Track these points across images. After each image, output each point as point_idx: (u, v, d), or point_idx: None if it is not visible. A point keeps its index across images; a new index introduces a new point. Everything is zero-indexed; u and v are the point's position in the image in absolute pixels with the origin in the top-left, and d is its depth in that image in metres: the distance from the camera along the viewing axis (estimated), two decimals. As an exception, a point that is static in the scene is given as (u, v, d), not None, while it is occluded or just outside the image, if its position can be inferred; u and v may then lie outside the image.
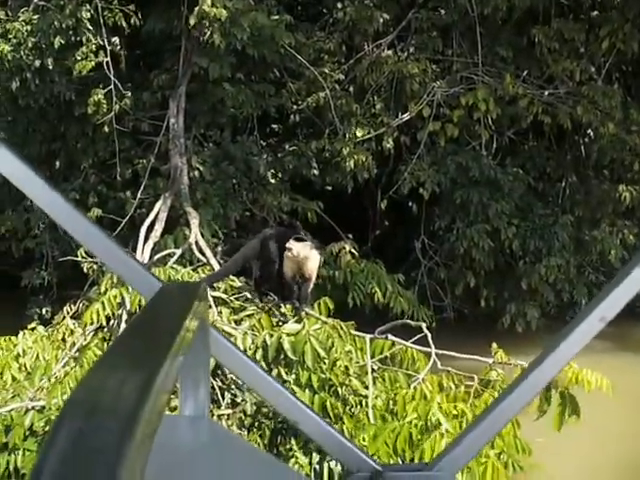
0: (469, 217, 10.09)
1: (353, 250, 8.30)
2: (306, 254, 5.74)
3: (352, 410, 4.82)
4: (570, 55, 10.20)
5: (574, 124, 10.26)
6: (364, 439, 4.38)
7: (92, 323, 6.77)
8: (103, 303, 6.54)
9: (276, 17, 9.07)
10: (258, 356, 5.08)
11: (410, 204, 10.72)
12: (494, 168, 10.15)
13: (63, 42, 8.71)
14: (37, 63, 8.87)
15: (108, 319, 6.77)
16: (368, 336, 5.33)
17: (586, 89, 10.03)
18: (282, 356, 4.97)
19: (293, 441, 4.73)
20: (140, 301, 6.37)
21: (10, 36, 9.00)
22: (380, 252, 9.91)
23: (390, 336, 5.39)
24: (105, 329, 6.87)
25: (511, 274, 10.43)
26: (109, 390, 0.58)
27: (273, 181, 9.61)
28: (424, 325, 5.71)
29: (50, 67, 8.89)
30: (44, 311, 10.12)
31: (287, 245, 5.80)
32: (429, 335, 5.43)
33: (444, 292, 10.47)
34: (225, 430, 1.82)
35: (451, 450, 1.30)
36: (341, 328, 5.23)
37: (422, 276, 10.35)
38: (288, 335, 4.99)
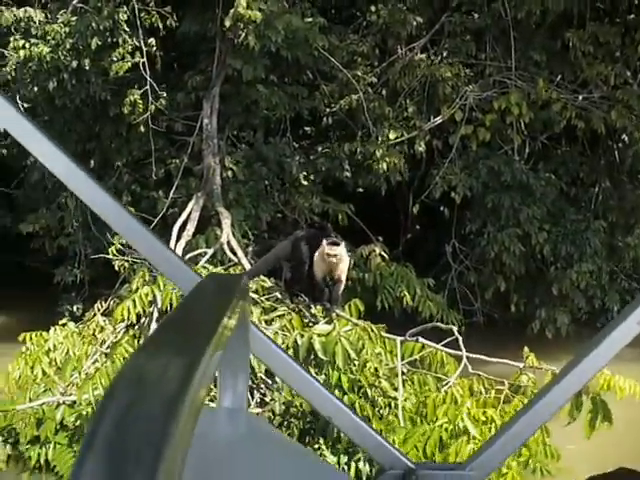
0: (500, 221, 10.05)
1: (383, 253, 8.32)
2: (338, 256, 5.77)
3: (381, 412, 4.83)
4: (605, 59, 10.13)
5: (608, 129, 10.18)
6: (394, 441, 4.39)
7: (123, 320, 6.86)
8: (134, 300, 6.63)
9: (310, 20, 9.12)
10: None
11: (441, 208, 10.71)
12: (526, 173, 10.10)
13: (100, 43, 8.84)
14: (74, 64, 9.00)
15: (139, 317, 6.86)
16: (399, 338, 5.35)
17: (621, 93, 9.95)
18: (312, 356, 5.00)
19: (322, 441, 4.75)
20: (171, 299, 6.44)
21: (49, 37, 9.14)
22: (411, 256, 9.91)
23: (420, 339, 5.39)
24: (136, 327, 6.96)
25: (542, 279, 10.37)
26: (153, 372, 0.59)
27: (305, 183, 9.65)
28: (455, 328, 5.71)
29: (87, 68, 9.03)
30: (75, 308, 10.25)
31: (320, 246, 5.84)
32: (460, 338, 5.43)
33: (474, 296, 10.44)
34: (264, 423, 1.83)
35: (484, 451, 1.31)
36: (372, 330, 5.25)
37: (452, 280, 10.32)
38: (319, 336, 5.03)
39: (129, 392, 0.55)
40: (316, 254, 5.87)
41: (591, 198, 10.83)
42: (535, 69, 10.25)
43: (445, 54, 10.32)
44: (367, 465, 4.49)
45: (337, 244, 5.92)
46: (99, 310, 7.94)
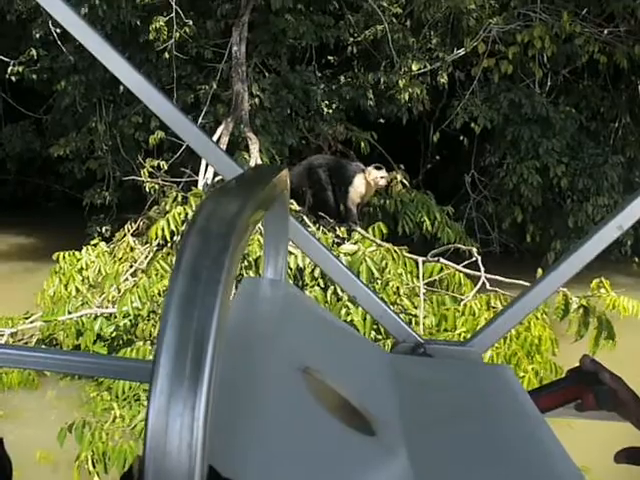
0: (520, 154, 10.22)
1: (404, 181, 8.55)
2: (384, 181, 6.06)
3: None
4: (633, -8, 10.12)
5: (632, 64, 10.24)
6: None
7: (156, 239, 7.18)
8: (168, 220, 6.92)
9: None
10: (316, 274, 5.42)
11: (462, 139, 10.88)
12: (547, 106, 10.22)
13: (130, -31, 8.98)
14: (105, -11, 9.17)
15: (172, 235, 7.16)
16: (420, 259, 5.63)
17: (647, 28, 9.98)
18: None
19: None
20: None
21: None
22: (430, 185, 10.12)
23: (441, 259, 5.68)
24: (168, 244, 7.27)
25: (558, 211, 10.59)
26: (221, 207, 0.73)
27: (329, 111, 9.84)
28: (474, 249, 5.98)
29: (117, -7, 9.19)
30: (104, 230, 10.57)
31: (369, 172, 6.11)
32: (479, 258, 5.71)
33: (491, 226, 10.69)
34: (301, 292, 2.04)
35: (483, 330, 1.53)
36: (394, 251, 5.54)
37: (470, 209, 10.57)
38: (345, 255, 5.33)
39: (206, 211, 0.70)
40: (357, 178, 6.15)
41: (610, 133, 10.95)
42: (561, 2, 10.27)
43: (471, -15, 10.34)
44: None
45: (380, 168, 6.23)
46: (129, 231, 8.27)
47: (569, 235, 10.29)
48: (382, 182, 6.13)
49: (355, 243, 5.70)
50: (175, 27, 9.36)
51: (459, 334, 4.85)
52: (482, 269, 5.63)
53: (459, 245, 6.64)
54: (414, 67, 9.87)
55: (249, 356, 1.00)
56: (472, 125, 10.00)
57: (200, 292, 0.58)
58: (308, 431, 0.90)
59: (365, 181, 6.16)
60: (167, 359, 0.55)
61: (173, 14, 9.31)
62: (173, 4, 9.28)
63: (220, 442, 0.67)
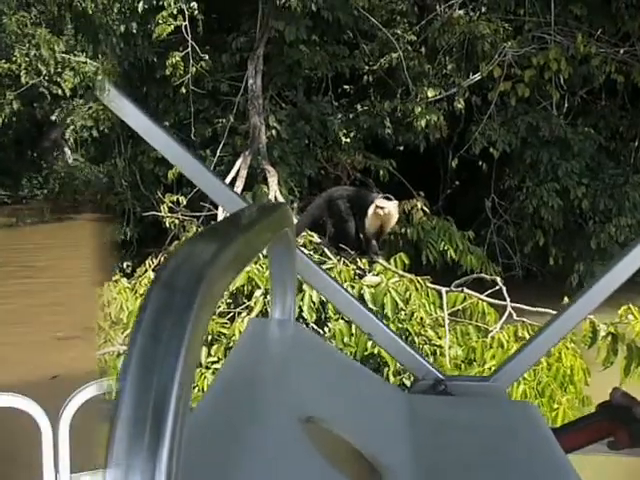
0: (539, 176, 10.17)
1: (425, 208, 8.51)
2: (386, 209, 6.03)
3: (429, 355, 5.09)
4: (647, 11, 10.09)
5: (649, 83, 10.18)
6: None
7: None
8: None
9: (350, -21, 9.24)
10: (338, 306, 5.36)
11: (480, 164, 10.85)
12: (564, 128, 10.18)
13: (146, 7, 9.06)
14: (122, 28, 9.26)
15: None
16: (444, 289, 5.58)
17: (662, 46, 9.93)
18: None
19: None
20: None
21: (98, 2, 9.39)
22: (450, 211, 10.07)
23: (465, 289, 5.61)
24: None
25: (580, 233, 10.50)
26: (194, 253, 0.67)
27: (347, 140, 9.86)
28: (498, 278, 5.92)
29: (134, 32, 9.27)
30: (125, 265, 10.60)
31: (376, 203, 6.08)
32: (504, 288, 5.64)
33: (513, 250, 10.61)
34: (310, 332, 1.99)
35: (507, 364, 1.49)
36: (418, 282, 5.49)
37: (491, 234, 10.50)
38: (369, 287, 5.29)
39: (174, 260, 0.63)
40: (370, 209, 6.12)
41: (630, 152, 10.87)
42: (575, 23, 10.25)
43: (484, 10, 10.37)
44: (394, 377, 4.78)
45: (390, 199, 6.18)
46: (150, 266, 8.28)
47: (592, 257, 10.19)
48: (384, 212, 6.06)
49: (377, 274, 5.66)
50: (191, 62, 9.43)
51: (489, 368, 4.77)
52: (508, 299, 5.55)
53: (482, 275, 6.57)
54: (430, 94, 9.87)
55: (250, 404, 0.96)
56: (491, 149, 9.97)
57: (160, 354, 0.53)
58: None
59: (375, 212, 6.13)
60: (123, 431, 0.51)
61: (189, 49, 9.39)
62: (189, 39, 9.36)
63: None
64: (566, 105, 10.58)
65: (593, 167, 10.35)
